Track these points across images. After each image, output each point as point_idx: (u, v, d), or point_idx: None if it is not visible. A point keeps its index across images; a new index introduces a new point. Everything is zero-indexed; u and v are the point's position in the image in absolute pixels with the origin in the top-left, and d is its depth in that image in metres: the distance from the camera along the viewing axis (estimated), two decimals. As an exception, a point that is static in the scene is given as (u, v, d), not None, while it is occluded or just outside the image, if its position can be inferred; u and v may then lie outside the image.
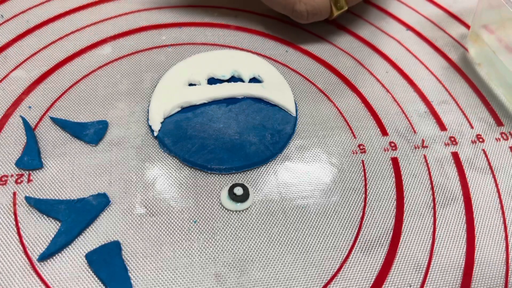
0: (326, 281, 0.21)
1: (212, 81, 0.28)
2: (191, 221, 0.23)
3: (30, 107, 0.26)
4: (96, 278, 0.20)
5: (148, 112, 0.26)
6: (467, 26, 0.34)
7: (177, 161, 0.25)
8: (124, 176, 0.24)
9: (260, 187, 0.24)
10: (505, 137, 0.27)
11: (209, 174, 0.24)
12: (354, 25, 0.33)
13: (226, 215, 0.23)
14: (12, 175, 0.23)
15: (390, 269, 0.22)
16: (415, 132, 0.27)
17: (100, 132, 0.25)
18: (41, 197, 0.23)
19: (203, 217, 0.23)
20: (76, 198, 0.23)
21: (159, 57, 0.29)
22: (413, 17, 0.34)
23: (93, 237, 0.22)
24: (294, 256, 0.22)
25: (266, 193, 0.24)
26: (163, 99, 0.26)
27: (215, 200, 0.23)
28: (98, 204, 0.22)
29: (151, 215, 0.23)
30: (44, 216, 0.22)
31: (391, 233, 0.23)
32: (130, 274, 0.21)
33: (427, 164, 0.26)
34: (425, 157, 0.26)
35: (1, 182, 0.23)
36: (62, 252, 0.21)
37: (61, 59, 0.29)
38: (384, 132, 0.27)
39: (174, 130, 0.25)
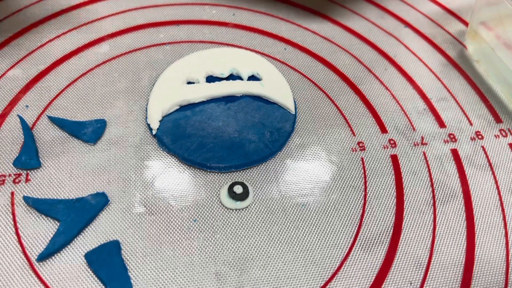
0: (327, 279, 0.21)
1: (210, 79, 0.28)
2: (191, 219, 0.22)
3: (27, 106, 0.26)
4: (96, 278, 0.20)
5: (146, 111, 0.26)
6: (466, 23, 0.34)
7: (176, 159, 0.25)
8: (123, 175, 0.24)
9: (260, 185, 0.24)
10: (504, 133, 0.27)
11: (208, 173, 0.24)
12: (352, 23, 0.33)
13: (226, 213, 0.23)
14: (10, 175, 0.23)
15: (391, 266, 0.22)
16: (414, 129, 0.27)
17: (98, 131, 0.25)
18: (40, 197, 0.22)
19: (202, 216, 0.23)
20: (74, 198, 0.22)
21: (157, 55, 0.29)
22: (411, 14, 0.34)
23: (92, 237, 0.21)
24: (294, 254, 0.22)
25: (266, 191, 0.24)
26: (162, 97, 0.26)
27: (214, 198, 0.23)
28: (97, 203, 0.22)
29: (151, 214, 0.22)
30: (43, 216, 0.22)
31: (391, 230, 0.23)
32: (129, 273, 0.21)
33: (427, 161, 0.26)
34: (424, 154, 0.26)
35: (-1, 182, 0.23)
36: (61, 252, 0.21)
37: (58, 57, 0.29)
38: (383, 130, 0.27)
39: (173, 129, 0.25)
